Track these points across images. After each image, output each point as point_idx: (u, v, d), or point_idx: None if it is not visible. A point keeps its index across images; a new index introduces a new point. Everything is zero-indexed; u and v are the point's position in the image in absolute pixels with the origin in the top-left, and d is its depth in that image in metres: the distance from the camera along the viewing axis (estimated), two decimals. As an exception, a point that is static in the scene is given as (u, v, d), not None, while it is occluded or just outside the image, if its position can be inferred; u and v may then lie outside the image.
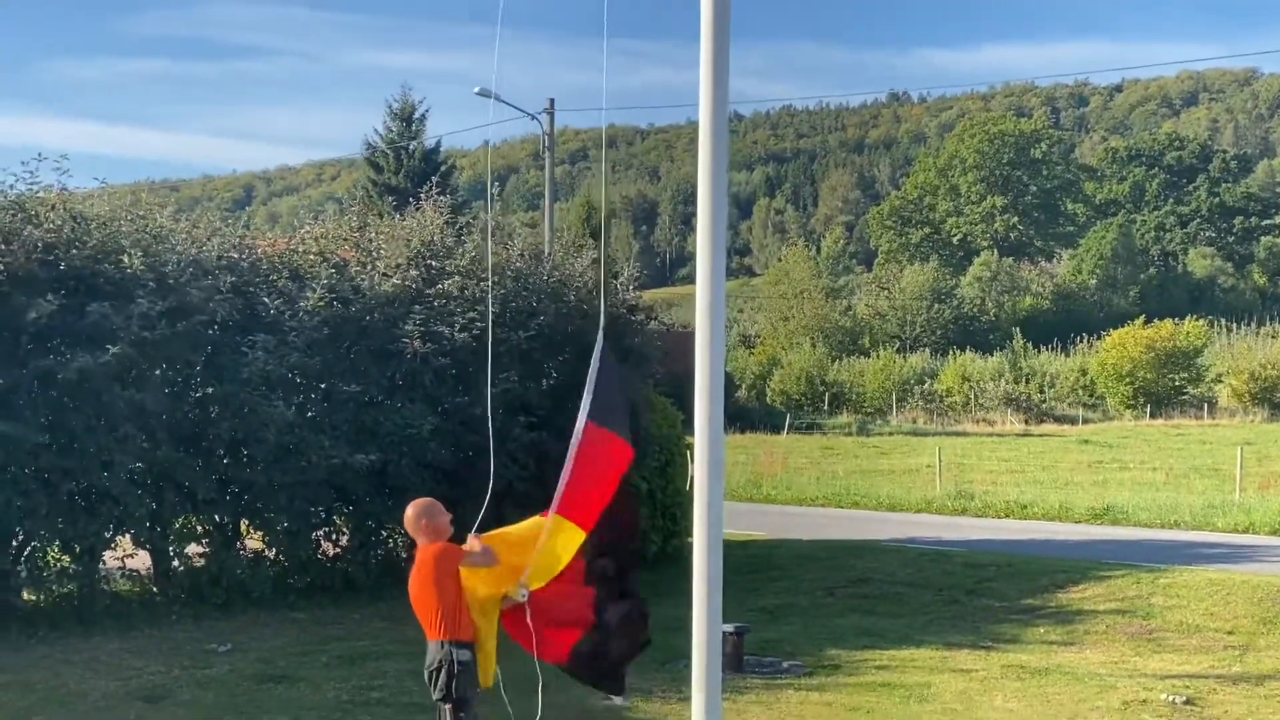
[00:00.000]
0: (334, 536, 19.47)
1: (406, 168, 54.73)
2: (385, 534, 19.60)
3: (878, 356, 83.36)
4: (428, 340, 18.36)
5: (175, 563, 17.82)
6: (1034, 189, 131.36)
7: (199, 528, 18.10)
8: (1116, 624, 17.22)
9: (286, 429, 17.21)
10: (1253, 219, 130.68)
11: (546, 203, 39.00)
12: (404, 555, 19.29)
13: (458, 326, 18.58)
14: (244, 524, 18.64)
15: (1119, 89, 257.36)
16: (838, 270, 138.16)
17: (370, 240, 19.75)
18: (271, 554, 18.54)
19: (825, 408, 75.73)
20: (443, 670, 7.86)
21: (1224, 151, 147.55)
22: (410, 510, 8.05)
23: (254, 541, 18.73)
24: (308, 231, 19.85)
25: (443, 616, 7.82)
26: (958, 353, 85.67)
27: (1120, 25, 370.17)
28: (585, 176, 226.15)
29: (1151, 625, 17.18)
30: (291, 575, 18.59)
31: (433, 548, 7.86)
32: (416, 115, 56.80)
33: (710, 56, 5.65)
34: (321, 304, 17.86)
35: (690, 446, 6.04)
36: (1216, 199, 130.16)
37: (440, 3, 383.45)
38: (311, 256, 18.99)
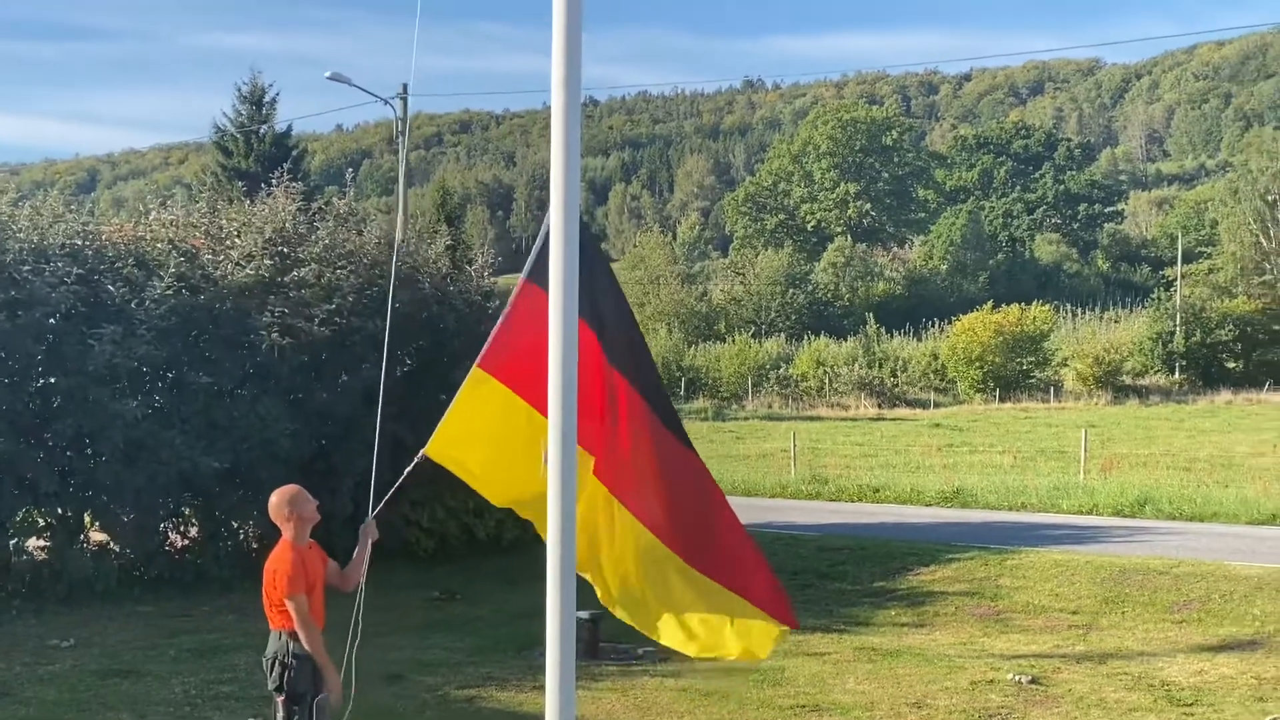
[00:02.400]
0: (182, 528, 19.15)
1: (257, 152, 53.94)
2: (236, 525, 19.33)
3: (733, 342, 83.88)
4: (285, 334, 18.11)
5: (15, 556, 17.36)
6: (886, 176, 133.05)
7: (40, 521, 17.68)
8: (965, 605, 17.54)
9: (134, 424, 16.86)
10: (1096, 206, 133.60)
11: (400, 189, 38.69)
12: (255, 546, 19.08)
13: (316, 320, 18.37)
14: (87, 517, 18.23)
15: (968, 78, 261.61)
16: (693, 256, 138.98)
17: (222, 228, 19.44)
18: (116, 547, 18.18)
19: (682, 393, 76.04)
20: (277, 661, 7.78)
21: (1068, 140, 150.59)
22: (275, 498, 7.90)
23: (98, 534, 18.36)
24: (156, 218, 19.46)
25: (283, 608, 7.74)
26: (812, 338, 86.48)
27: (968, 16, 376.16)
28: (440, 161, 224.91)
29: (999, 606, 17.53)
30: (138, 568, 18.24)
31: (286, 557, 7.73)
32: (266, 99, 55.99)
33: (562, 41, 5.63)
34: (170, 292, 17.51)
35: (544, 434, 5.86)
36: (1062, 186, 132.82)
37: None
38: (160, 245, 18.62)
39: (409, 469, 6.79)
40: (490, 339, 6.61)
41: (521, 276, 6.61)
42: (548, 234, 6.29)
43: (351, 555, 7.94)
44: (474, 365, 6.60)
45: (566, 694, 5.61)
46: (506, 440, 6.61)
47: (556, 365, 5.60)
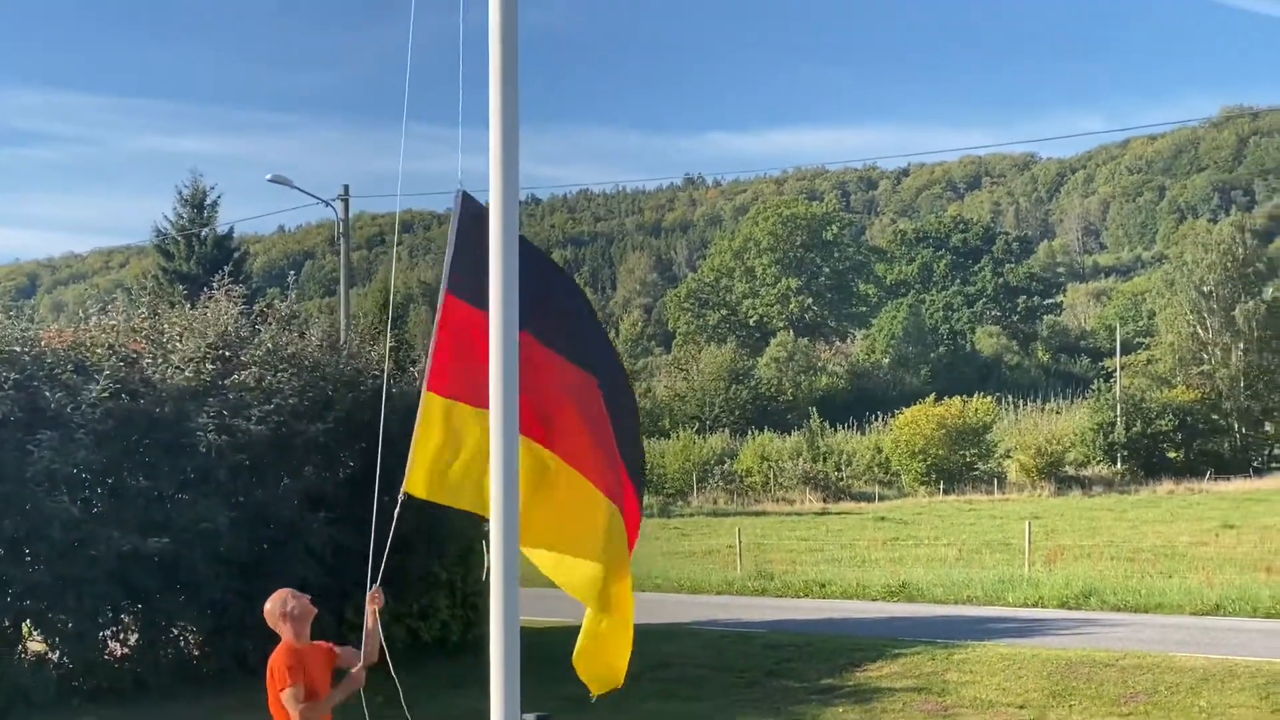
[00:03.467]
0: (122, 636, 18.87)
1: (198, 254, 53.79)
2: (175, 632, 19.08)
3: (678, 438, 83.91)
4: (223, 433, 18.01)
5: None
6: (827, 270, 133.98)
7: (-25, 630, 17.40)
8: (913, 701, 17.48)
9: (72, 525, 16.68)
10: (1035, 298, 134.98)
11: (342, 291, 38.65)
12: (195, 654, 18.85)
13: (254, 419, 18.28)
14: (25, 626, 17.95)
15: (906, 173, 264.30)
16: (637, 352, 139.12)
17: (162, 332, 19.35)
18: (55, 656, 17.89)
19: (627, 490, 75.82)
20: None
21: (1006, 233, 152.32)
22: (268, 605, 7.91)
23: (36, 644, 18.07)
24: (96, 323, 19.36)
25: None
26: (756, 433, 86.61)
27: (905, 113, 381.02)
28: (382, 261, 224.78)
29: (947, 702, 17.48)
30: (77, 678, 17.96)
31: (282, 652, 7.74)
32: (208, 201, 55.94)
33: (499, 140, 5.70)
34: (107, 396, 17.39)
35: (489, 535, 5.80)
36: (1000, 279, 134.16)
37: (228, 87, 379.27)
38: (99, 350, 18.51)
39: (395, 515, 6.72)
40: (431, 359, 6.58)
41: (444, 289, 6.57)
42: (456, 239, 6.39)
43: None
44: (424, 391, 6.59)
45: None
46: (478, 452, 6.53)
47: (498, 459, 5.60)
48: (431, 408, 6.60)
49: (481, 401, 6.21)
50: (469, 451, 6.63)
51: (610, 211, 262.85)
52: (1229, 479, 72.28)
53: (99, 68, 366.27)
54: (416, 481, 6.62)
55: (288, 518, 18.63)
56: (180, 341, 19.00)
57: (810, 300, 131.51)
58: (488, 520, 5.67)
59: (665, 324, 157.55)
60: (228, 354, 19.05)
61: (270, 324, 20.29)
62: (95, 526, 17.06)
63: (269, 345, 19.39)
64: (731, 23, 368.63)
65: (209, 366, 18.61)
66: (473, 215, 6.48)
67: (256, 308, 21.13)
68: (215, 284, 20.49)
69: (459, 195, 6.52)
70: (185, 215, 55.65)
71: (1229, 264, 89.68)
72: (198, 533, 17.83)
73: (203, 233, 55.16)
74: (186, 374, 18.42)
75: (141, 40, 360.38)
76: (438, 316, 6.58)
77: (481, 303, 6.21)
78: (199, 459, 18.16)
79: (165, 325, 19.62)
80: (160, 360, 18.70)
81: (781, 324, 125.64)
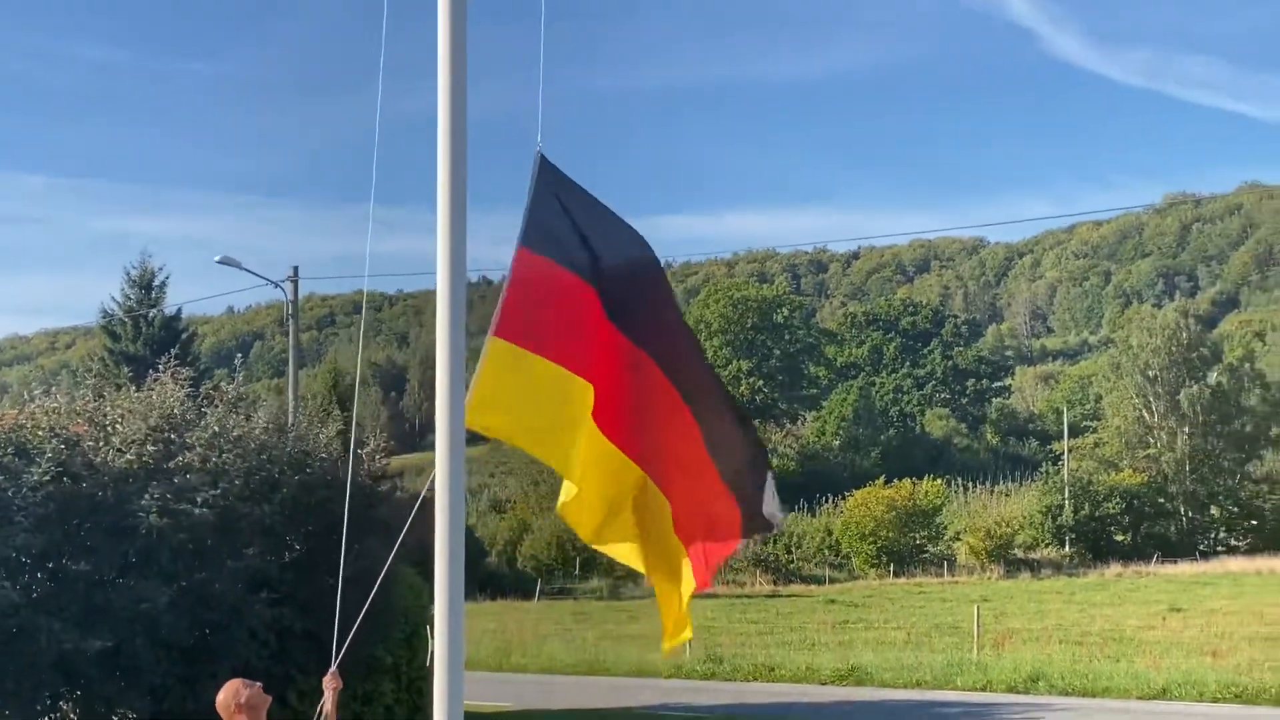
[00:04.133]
0: (62, 723, 18.56)
1: (145, 336, 53.48)
2: (116, 719, 18.77)
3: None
4: (165, 515, 17.82)
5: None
6: (778, 353, 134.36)
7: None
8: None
9: (10, 612, 16.44)
10: (983, 381, 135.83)
11: (291, 373, 38.51)
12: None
13: (200, 502, 18.11)
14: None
15: (856, 256, 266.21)
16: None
17: (105, 415, 19.18)
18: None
19: (577, 572, 75.54)
20: None
21: (955, 317, 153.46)
22: (220, 696, 7.78)
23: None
24: (38, 406, 19.17)
25: None
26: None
27: (855, 196, 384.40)
28: (332, 342, 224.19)
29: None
30: (16, 766, 17.64)
31: None
32: (156, 282, 55.71)
33: (447, 220, 5.74)
34: (48, 479, 17.20)
35: (434, 618, 5.75)
36: (950, 362, 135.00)
37: (177, 168, 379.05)
38: (41, 432, 18.32)
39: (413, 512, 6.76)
40: (500, 307, 6.48)
41: (518, 243, 6.52)
42: (532, 195, 6.40)
43: None
44: (490, 335, 6.47)
45: None
46: (543, 402, 6.55)
47: (442, 539, 5.58)
48: (497, 350, 6.45)
49: (548, 353, 6.46)
50: (539, 399, 6.56)
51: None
52: (1175, 562, 72.62)
53: (46, 147, 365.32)
54: (475, 417, 6.38)
55: (230, 600, 18.42)
56: (123, 424, 18.83)
57: (761, 382, 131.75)
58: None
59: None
60: (172, 436, 18.89)
61: (216, 406, 20.15)
62: (34, 615, 16.81)
63: (215, 427, 19.24)
64: (683, 107, 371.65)
65: (151, 449, 18.44)
66: (550, 177, 6.53)
67: (203, 389, 20.99)
68: (161, 366, 20.35)
69: (537, 157, 6.50)
70: (133, 296, 55.39)
71: (1173, 349, 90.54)
72: (139, 616, 17.60)
73: (150, 314, 54.88)
74: (129, 456, 18.25)
75: (90, 120, 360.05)
76: (510, 269, 6.52)
77: (554, 254, 6.49)
78: (141, 542, 17.96)
79: (108, 408, 19.44)
80: (102, 443, 18.52)
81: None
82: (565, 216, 6.51)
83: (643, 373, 6.78)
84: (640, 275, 6.94)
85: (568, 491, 6.75)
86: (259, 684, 7.85)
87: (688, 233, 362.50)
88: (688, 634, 7.39)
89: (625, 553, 7.11)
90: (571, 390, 6.54)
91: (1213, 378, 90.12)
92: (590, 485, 6.74)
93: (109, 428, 18.89)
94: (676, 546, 7.01)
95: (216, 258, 38.24)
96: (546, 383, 6.51)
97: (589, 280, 6.59)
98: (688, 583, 7.13)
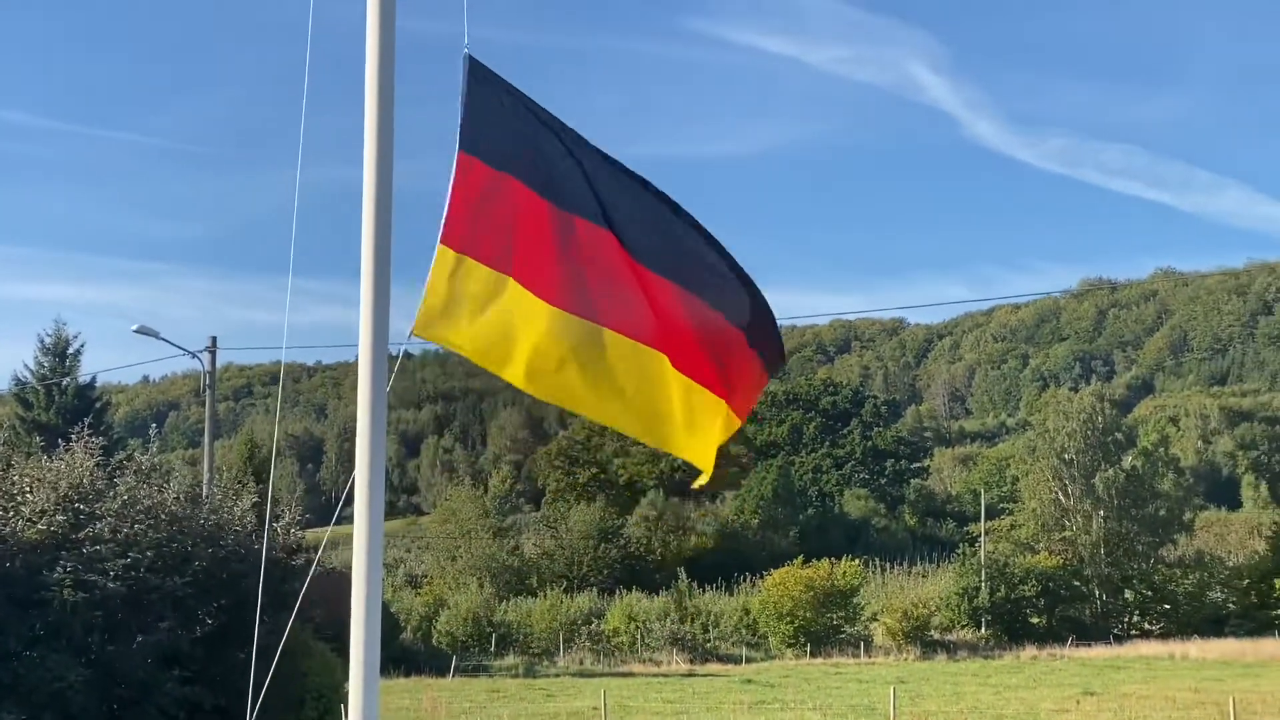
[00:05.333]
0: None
1: (58, 404, 52.81)
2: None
3: (545, 597, 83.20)
4: (79, 589, 17.52)
5: None
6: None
7: None
8: None
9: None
10: (902, 462, 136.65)
11: (206, 444, 38.12)
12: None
13: (111, 576, 17.82)
14: None
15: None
16: (505, 509, 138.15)
17: (14, 485, 18.87)
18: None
19: (492, 649, 74.94)
20: None
21: (875, 397, 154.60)
22: None
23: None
24: (-54, 473, 18.86)
25: None
26: (625, 592, 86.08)
27: (777, 275, 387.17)
28: (249, 413, 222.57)
29: None
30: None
31: None
32: (70, 350, 55.07)
33: (370, 292, 5.71)
34: (-43, 550, 16.90)
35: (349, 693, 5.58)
36: (869, 442, 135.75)
37: (93, 235, 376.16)
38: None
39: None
40: (446, 214, 6.30)
41: (457, 148, 6.36)
42: (464, 99, 6.26)
43: None
44: (438, 244, 6.28)
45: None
46: (495, 313, 6.43)
47: (359, 614, 5.49)
48: (444, 260, 6.30)
49: (497, 265, 6.33)
50: (491, 311, 6.44)
51: (483, 368, 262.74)
52: (1090, 645, 73.07)
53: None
54: (424, 325, 6.28)
55: (140, 676, 18.11)
56: (32, 493, 18.53)
57: (680, 460, 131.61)
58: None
59: (535, 481, 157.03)
60: (81, 506, 18.61)
61: (128, 476, 19.90)
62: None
63: (125, 497, 18.98)
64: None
65: (60, 519, 18.16)
66: (479, 78, 6.39)
67: (115, 460, 20.72)
68: (73, 435, 20.08)
69: (466, 59, 6.37)
70: (46, 364, 54.70)
71: (1089, 433, 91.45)
72: (48, 694, 17.25)
73: (64, 382, 54.22)
74: (39, 527, 17.95)
75: (4, 185, 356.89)
76: (452, 174, 6.35)
77: (497, 163, 6.35)
78: (51, 615, 17.63)
79: (17, 476, 19.13)
80: (12, 513, 18.20)
81: (652, 483, 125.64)
82: (501, 116, 6.43)
83: (604, 255, 6.65)
84: (587, 161, 6.78)
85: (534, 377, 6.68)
86: None
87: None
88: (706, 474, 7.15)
89: (607, 415, 6.94)
90: (524, 304, 6.45)
91: (1128, 462, 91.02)
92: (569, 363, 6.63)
93: (18, 497, 18.58)
94: (684, 384, 6.82)
95: (134, 327, 37.91)
96: (498, 295, 6.42)
97: (533, 185, 6.48)
98: (713, 413, 6.98)
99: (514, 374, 6.64)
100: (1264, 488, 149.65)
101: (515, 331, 6.50)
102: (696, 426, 6.98)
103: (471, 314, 6.41)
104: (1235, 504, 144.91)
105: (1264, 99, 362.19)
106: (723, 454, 6.95)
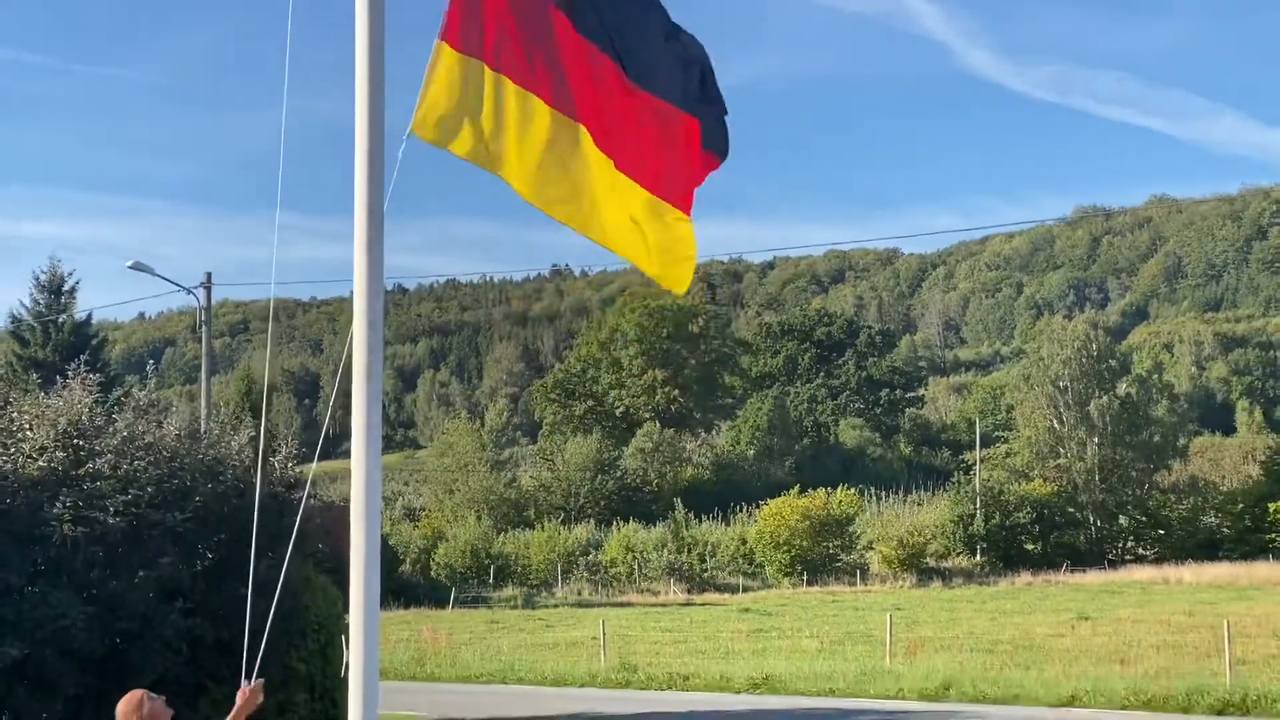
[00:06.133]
0: (-31, 735, 18.28)
1: (55, 341, 52.79)
2: (26, 730, 18.51)
3: (543, 528, 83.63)
4: (78, 524, 17.60)
5: None
6: (693, 363, 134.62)
7: None
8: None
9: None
10: (897, 392, 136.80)
11: (203, 379, 38.18)
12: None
13: (112, 511, 17.90)
14: None
15: (771, 266, 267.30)
16: (502, 442, 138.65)
17: (13, 420, 18.92)
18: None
19: (491, 581, 75.39)
20: None
21: (869, 327, 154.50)
22: (121, 706, 7.56)
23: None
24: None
25: None
26: (622, 524, 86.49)
27: (771, 207, 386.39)
28: (245, 349, 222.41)
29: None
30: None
31: None
32: (65, 287, 54.98)
33: (365, 227, 5.74)
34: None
35: (349, 627, 5.60)
36: (864, 373, 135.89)
37: (87, 171, 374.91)
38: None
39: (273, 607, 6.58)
40: (447, 12, 6.18)
41: None
42: None
43: None
44: (437, 40, 6.16)
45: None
46: (503, 119, 6.33)
47: (358, 551, 5.57)
48: (443, 58, 6.16)
49: (505, 70, 6.24)
50: (499, 117, 6.32)
51: (477, 301, 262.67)
52: (1085, 571, 73.53)
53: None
54: (425, 124, 6.12)
55: (142, 610, 18.22)
56: (31, 430, 18.58)
57: (676, 392, 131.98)
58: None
59: (531, 414, 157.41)
60: (81, 443, 18.67)
61: (127, 412, 19.95)
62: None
63: (125, 433, 19.04)
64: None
65: (60, 455, 18.22)
66: None
67: (114, 395, 20.79)
68: (71, 372, 20.10)
69: None
70: (42, 301, 54.63)
71: (1084, 360, 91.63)
72: (51, 628, 17.37)
73: (60, 319, 54.18)
74: (39, 463, 18.02)
75: None
76: None
77: None
78: (52, 551, 17.72)
79: (15, 414, 19.17)
80: (11, 449, 18.27)
81: (648, 415, 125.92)
82: None
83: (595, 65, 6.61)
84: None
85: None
86: (163, 697, 7.68)
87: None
88: (689, 266, 7.02)
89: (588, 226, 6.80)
90: (527, 107, 6.36)
91: (1122, 389, 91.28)
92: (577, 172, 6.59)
93: (17, 434, 18.64)
94: (625, 185, 6.75)
95: (128, 263, 37.85)
96: (501, 97, 6.30)
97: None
98: (657, 217, 6.85)
99: (522, 183, 6.50)
100: (1258, 412, 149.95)
101: (529, 139, 6.40)
102: (642, 229, 6.83)
103: (486, 121, 6.29)
104: (1229, 429, 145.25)
105: (1255, 24, 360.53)
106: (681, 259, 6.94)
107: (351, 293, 5.85)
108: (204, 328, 39.52)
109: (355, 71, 5.88)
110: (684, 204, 6.92)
